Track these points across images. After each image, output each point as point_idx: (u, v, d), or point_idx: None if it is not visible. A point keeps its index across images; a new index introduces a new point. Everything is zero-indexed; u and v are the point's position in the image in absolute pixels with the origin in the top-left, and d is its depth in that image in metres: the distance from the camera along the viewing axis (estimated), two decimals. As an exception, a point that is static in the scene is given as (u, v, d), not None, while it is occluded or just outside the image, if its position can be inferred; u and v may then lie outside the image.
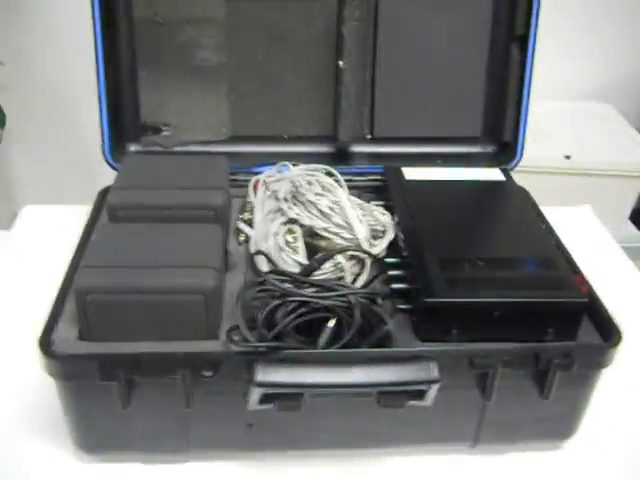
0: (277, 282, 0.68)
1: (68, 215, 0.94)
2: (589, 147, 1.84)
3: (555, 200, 1.76)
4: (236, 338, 0.68)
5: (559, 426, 0.75)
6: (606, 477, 0.75)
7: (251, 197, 0.87)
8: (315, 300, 0.68)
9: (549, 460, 0.76)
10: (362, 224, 0.76)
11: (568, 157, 1.80)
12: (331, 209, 0.77)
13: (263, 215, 0.82)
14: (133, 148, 0.97)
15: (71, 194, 1.24)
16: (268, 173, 0.89)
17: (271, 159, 0.95)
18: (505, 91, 0.96)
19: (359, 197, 0.93)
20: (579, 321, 0.71)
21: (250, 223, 0.84)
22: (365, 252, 0.75)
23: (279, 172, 0.91)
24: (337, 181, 0.90)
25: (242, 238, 0.83)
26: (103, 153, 0.92)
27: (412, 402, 0.66)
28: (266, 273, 0.72)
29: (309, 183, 0.81)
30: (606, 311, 0.73)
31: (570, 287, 0.72)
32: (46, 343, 0.66)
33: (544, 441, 0.77)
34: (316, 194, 0.79)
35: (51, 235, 1.02)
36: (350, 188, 0.93)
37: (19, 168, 2.22)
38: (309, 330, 0.71)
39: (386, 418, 0.70)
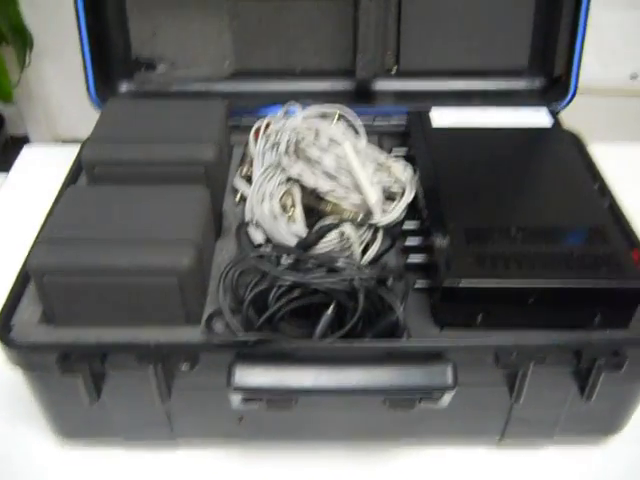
0: (261, 261, 0.57)
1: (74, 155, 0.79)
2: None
3: (618, 126, 1.60)
4: (218, 325, 0.59)
5: (602, 423, 0.64)
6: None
7: (251, 147, 0.75)
8: (309, 283, 0.57)
9: (591, 456, 0.66)
10: (373, 187, 0.64)
11: (635, 77, 1.61)
12: (337, 168, 0.64)
13: (262, 170, 0.70)
14: (125, 87, 0.86)
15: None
16: (272, 117, 0.77)
17: (280, 99, 0.82)
18: (558, 14, 0.80)
19: (380, 145, 0.81)
20: (634, 308, 0.59)
21: (250, 178, 0.73)
22: (372, 225, 0.62)
23: (286, 115, 0.78)
24: (352, 126, 0.77)
25: (238, 197, 0.72)
26: (88, 92, 0.81)
27: (424, 404, 0.56)
28: (256, 246, 0.61)
29: (316, 134, 0.68)
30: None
31: (623, 266, 0.59)
32: (4, 328, 0.58)
33: (584, 437, 0.66)
34: (322, 149, 0.66)
35: (50, 182, 0.92)
36: (371, 133, 0.81)
37: (53, 88, 2.15)
38: (309, 314, 0.61)
39: (394, 415, 0.60)
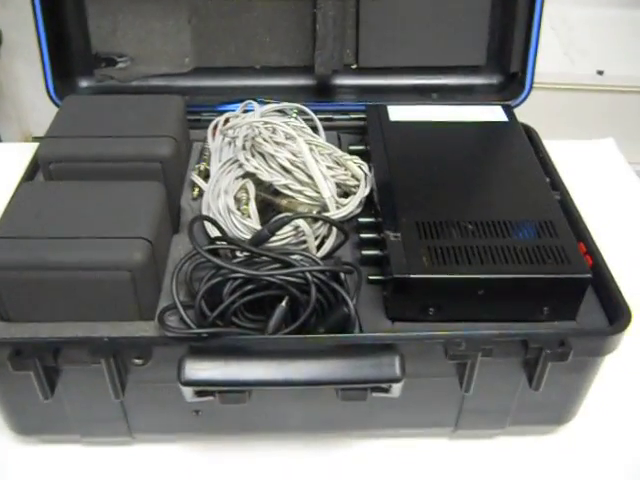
0: (213, 255, 0.57)
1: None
2: (625, 61, 1.67)
3: (586, 120, 1.62)
4: (172, 320, 0.59)
5: (553, 413, 0.65)
6: (603, 464, 0.66)
7: (209, 143, 0.75)
8: (260, 276, 0.57)
9: (543, 445, 0.67)
10: (327, 180, 0.65)
11: (601, 72, 1.64)
12: (292, 163, 0.65)
13: (219, 166, 0.70)
14: (85, 83, 0.85)
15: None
16: (231, 114, 0.77)
17: (241, 95, 0.83)
18: (513, 11, 0.81)
19: (340, 141, 0.81)
20: (580, 299, 0.60)
21: (207, 174, 0.73)
22: (322, 219, 0.63)
23: (245, 112, 0.79)
24: (310, 120, 0.78)
25: (195, 192, 0.72)
26: (46, 90, 0.81)
27: (375, 394, 0.57)
28: (211, 240, 0.62)
29: (273, 130, 0.69)
30: (614, 286, 0.61)
31: (571, 259, 0.60)
32: (-45, 325, 0.58)
33: (536, 426, 0.67)
34: (277, 143, 0.67)
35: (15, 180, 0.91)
36: (331, 129, 0.82)
37: (24, 85, 2.13)
38: (263, 308, 0.61)
39: (348, 406, 0.61)
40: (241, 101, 0.80)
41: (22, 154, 0.97)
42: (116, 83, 0.86)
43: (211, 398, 0.56)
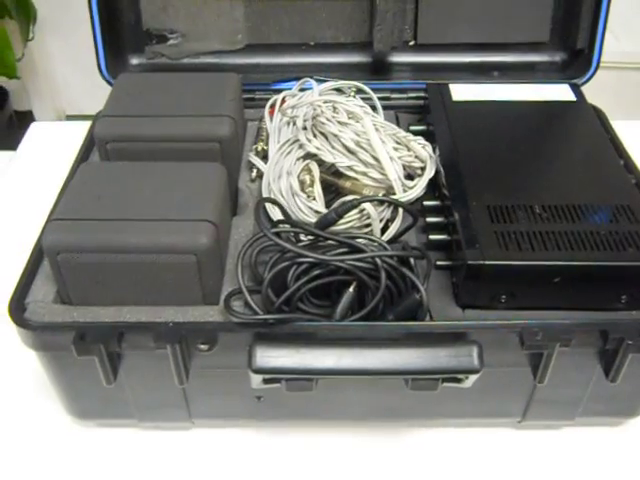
0: (279, 239, 0.56)
1: (82, 132, 0.77)
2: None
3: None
4: (236, 305, 0.58)
5: (624, 406, 0.63)
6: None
7: (267, 123, 0.73)
8: (330, 261, 0.55)
9: (612, 437, 0.65)
10: (394, 162, 0.62)
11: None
12: (357, 143, 0.63)
13: (278, 146, 0.68)
14: (135, 60, 0.84)
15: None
16: (288, 92, 0.75)
17: (295, 72, 0.81)
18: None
19: (397, 120, 0.79)
20: (661, 288, 0.57)
21: (265, 154, 0.71)
22: (393, 202, 0.61)
23: (302, 90, 0.77)
24: (369, 99, 0.75)
25: (254, 174, 0.70)
26: (98, 67, 0.79)
27: (447, 384, 0.55)
28: (274, 223, 0.60)
29: (334, 108, 0.66)
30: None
31: (652, 245, 0.57)
32: (17, 308, 0.57)
33: (605, 418, 0.65)
34: (340, 123, 0.64)
35: (59, 159, 0.90)
36: (388, 108, 0.79)
37: (57, 63, 2.12)
38: (330, 293, 0.59)
39: (416, 395, 0.59)
40: (297, 79, 0.78)
41: (59, 133, 0.96)
42: (167, 60, 0.84)
43: (278, 385, 0.55)
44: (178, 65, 0.84)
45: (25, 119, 2.03)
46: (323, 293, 0.59)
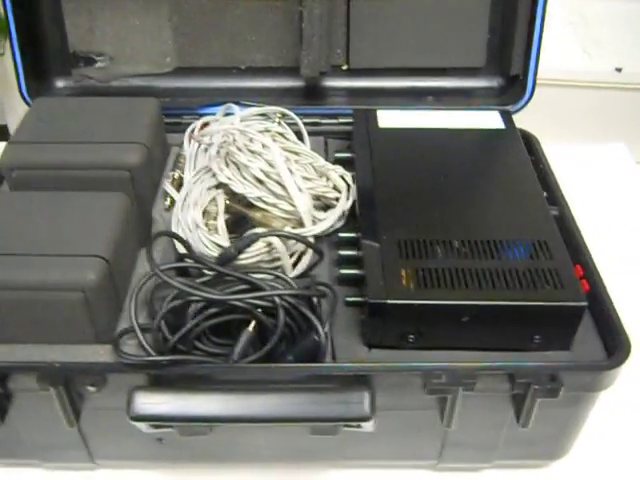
0: (168, 275, 0.53)
1: None
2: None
3: (603, 119, 1.56)
4: (132, 343, 0.55)
5: (544, 448, 0.60)
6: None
7: (185, 149, 0.71)
8: (223, 300, 0.53)
9: (533, 479, 0.62)
10: (303, 194, 0.60)
11: (619, 70, 1.58)
12: (266, 174, 0.60)
13: (193, 174, 0.66)
14: (61, 83, 0.81)
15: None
16: (209, 118, 0.73)
17: (226, 97, 0.78)
18: (515, 9, 0.75)
19: (326, 146, 0.77)
20: (574, 328, 0.55)
21: (182, 182, 0.69)
22: (292, 237, 0.58)
23: (227, 115, 0.74)
24: (294, 124, 0.73)
25: (168, 203, 0.67)
26: (19, 89, 0.77)
27: (347, 429, 0.52)
28: (179, 257, 0.58)
29: (250, 139, 0.64)
30: (612, 314, 0.56)
31: (566, 284, 0.55)
32: None
33: (527, 461, 0.62)
34: (253, 152, 0.62)
35: None
36: (318, 134, 0.77)
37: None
38: (231, 331, 0.57)
39: (320, 438, 0.57)
40: (222, 104, 0.76)
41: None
42: (95, 83, 0.81)
43: (169, 430, 0.52)
44: (106, 88, 0.82)
45: (1, 133, 2.00)
46: (224, 331, 0.57)
